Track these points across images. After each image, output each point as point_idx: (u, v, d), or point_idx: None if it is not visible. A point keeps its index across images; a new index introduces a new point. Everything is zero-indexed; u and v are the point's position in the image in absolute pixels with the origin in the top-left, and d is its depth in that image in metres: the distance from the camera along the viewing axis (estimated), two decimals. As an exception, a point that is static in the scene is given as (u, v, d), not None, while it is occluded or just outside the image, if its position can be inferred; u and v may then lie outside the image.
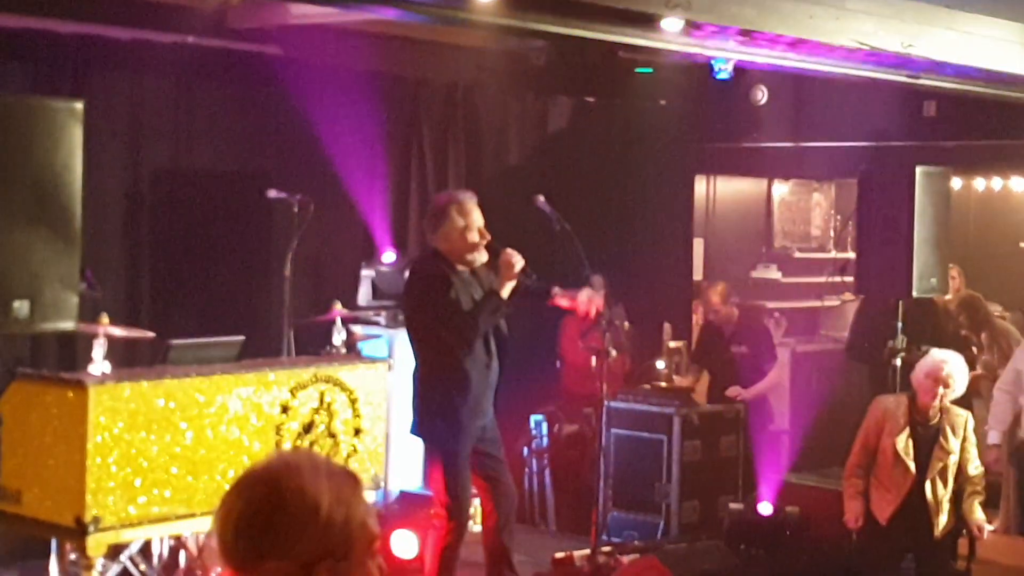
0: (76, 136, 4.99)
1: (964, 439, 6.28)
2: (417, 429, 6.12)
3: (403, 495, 8.09)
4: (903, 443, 6.29)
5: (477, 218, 5.96)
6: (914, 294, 6.94)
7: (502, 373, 6.12)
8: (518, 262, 5.83)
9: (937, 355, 6.34)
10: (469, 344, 5.84)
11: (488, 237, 5.99)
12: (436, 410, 5.95)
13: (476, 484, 5.97)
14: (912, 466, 6.26)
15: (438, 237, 5.98)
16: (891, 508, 6.31)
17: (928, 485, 6.22)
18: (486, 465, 5.94)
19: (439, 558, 6.02)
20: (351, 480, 2.09)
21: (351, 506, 2.05)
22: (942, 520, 6.27)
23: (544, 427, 8.53)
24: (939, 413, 6.29)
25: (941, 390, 6.23)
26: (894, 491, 6.30)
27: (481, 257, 6.00)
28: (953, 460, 6.27)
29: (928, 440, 6.29)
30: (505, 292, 5.83)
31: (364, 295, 8.31)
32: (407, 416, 6.21)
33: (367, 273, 8.44)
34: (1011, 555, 8.33)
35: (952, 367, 6.24)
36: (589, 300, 6.02)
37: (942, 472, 6.26)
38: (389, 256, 8.48)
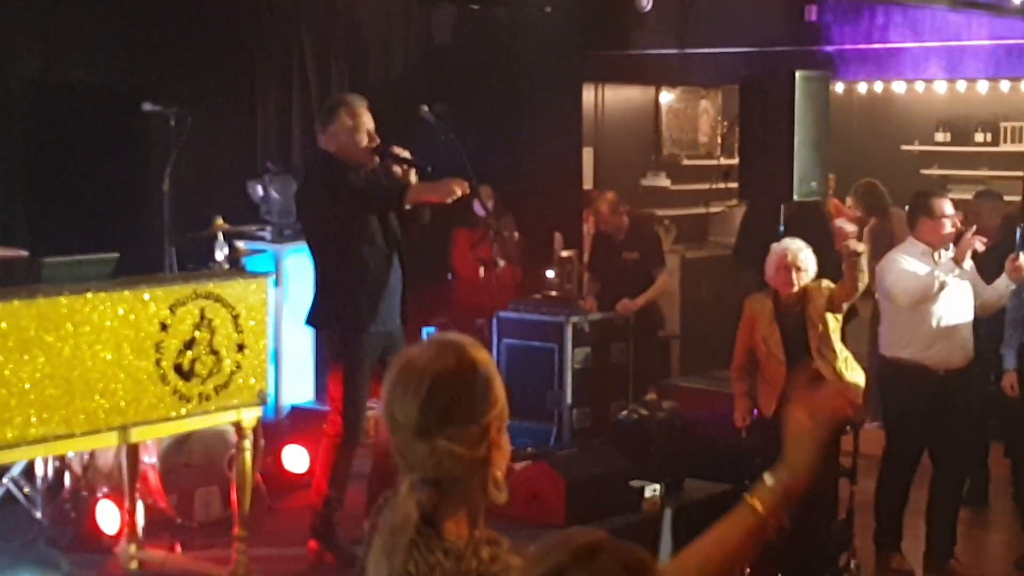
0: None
1: (828, 299, 6.40)
2: (312, 318, 6.11)
3: (294, 410, 8.07)
4: (771, 337, 6.43)
5: (367, 121, 5.96)
6: (794, 197, 7.02)
7: (405, 284, 6.11)
8: (458, 192, 5.81)
9: (776, 247, 6.47)
10: (367, 212, 5.85)
11: (377, 141, 5.97)
12: (334, 300, 5.94)
13: (376, 396, 5.96)
14: (783, 357, 6.41)
15: (327, 138, 6.01)
16: (773, 401, 6.45)
17: (818, 360, 6.34)
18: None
19: (330, 467, 6.02)
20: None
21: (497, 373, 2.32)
22: (849, 376, 6.41)
23: (436, 339, 8.52)
24: (800, 298, 6.41)
25: (793, 275, 6.37)
26: (773, 384, 6.44)
27: (371, 162, 5.99)
28: (833, 327, 6.41)
29: (795, 325, 6.43)
30: (411, 198, 5.82)
31: (248, 209, 8.19)
32: (295, 331, 6.20)
33: (251, 187, 8.32)
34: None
35: (794, 251, 6.39)
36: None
37: (824, 339, 6.38)
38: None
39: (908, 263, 6.37)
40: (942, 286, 6.25)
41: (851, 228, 6.48)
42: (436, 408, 2.23)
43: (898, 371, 6.50)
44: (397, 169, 6.05)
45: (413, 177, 6.00)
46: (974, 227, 6.45)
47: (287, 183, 8.21)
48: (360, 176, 6.00)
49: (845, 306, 6.56)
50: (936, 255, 6.39)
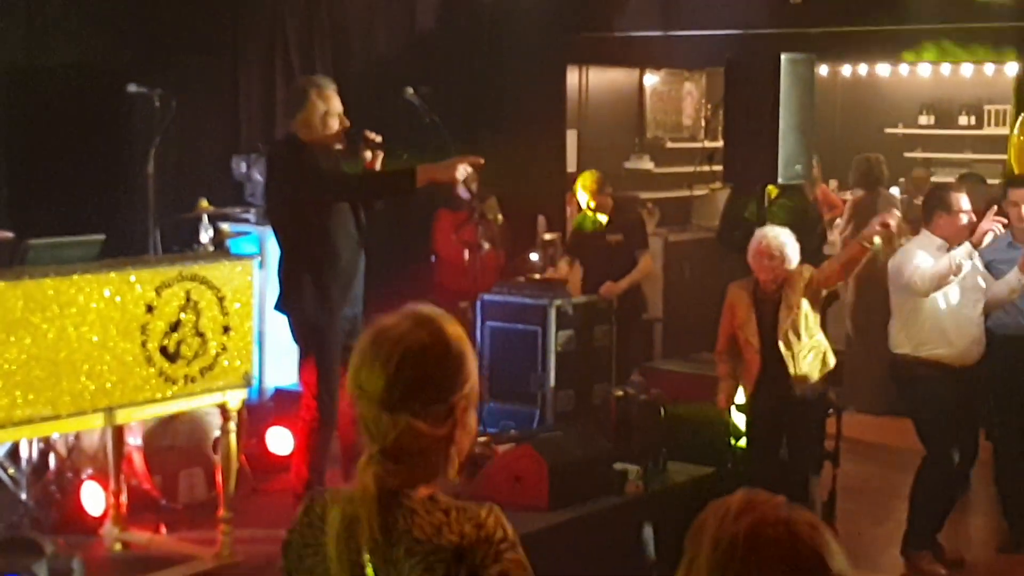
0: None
1: (807, 285, 6.41)
2: (284, 304, 6.07)
3: (277, 392, 8.07)
4: (748, 325, 6.46)
5: (337, 104, 5.91)
6: (779, 180, 7.02)
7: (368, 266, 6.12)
8: (461, 174, 5.79)
9: (758, 233, 6.47)
10: (376, 199, 5.83)
11: (348, 124, 5.94)
12: (307, 285, 5.92)
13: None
14: (758, 345, 6.44)
15: (298, 123, 5.92)
16: (749, 386, 6.50)
17: (781, 345, 6.37)
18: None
19: (308, 451, 6.03)
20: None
21: (471, 351, 2.28)
22: (805, 366, 6.42)
23: (419, 321, 8.52)
24: (780, 285, 6.43)
25: (768, 262, 6.38)
26: (750, 370, 6.49)
27: (338, 144, 5.96)
28: (805, 312, 6.42)
29: (771, 309, 6.44)
30: (421, 179, 5.79)
31: (232, 191, 8.18)
32: (279, 313, 6.19)
33: (236, 163, 8.30)
34: (874, 433, 8.63)
35: (772, 238, 6.39)
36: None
37: (794, 326, 6.39)
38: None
39: (923, 256, 6.23)
40: (959, 268, 6.09)
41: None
42: (404, 382, 2.20)
43: (916, 369, 6.33)
44: (368, 154, 6.01)
45: (379, 164, 5.99)
46: (994, 208, 6.33)
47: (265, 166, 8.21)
48: (329, 160, 5.96)
49: (824, 292, 6.58)
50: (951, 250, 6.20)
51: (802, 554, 1.62)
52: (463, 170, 5.80)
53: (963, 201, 6.33)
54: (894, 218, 6.42)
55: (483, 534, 2.20)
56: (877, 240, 6.38)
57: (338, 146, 5.97)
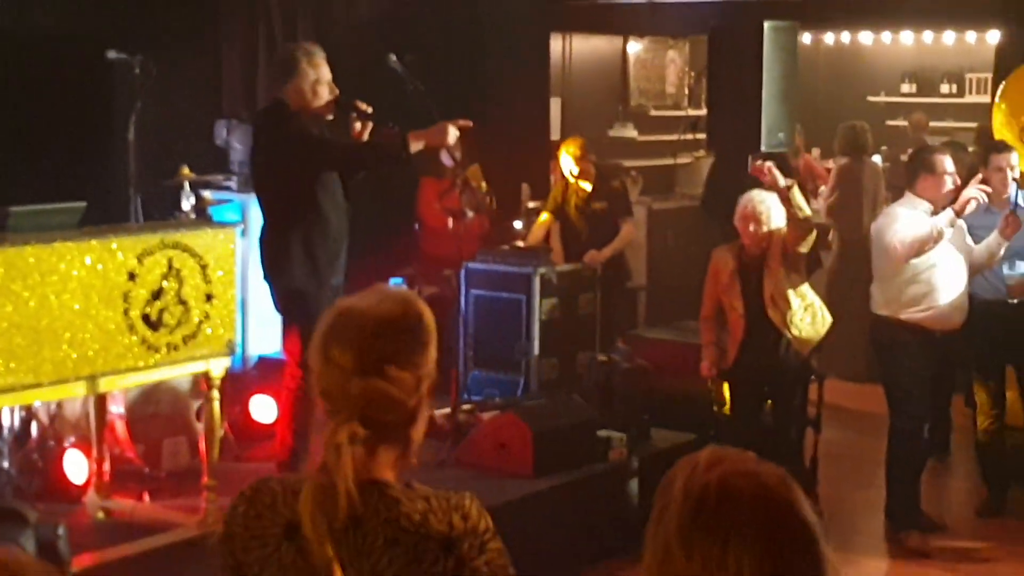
0: None
1: (782, 245, 6.39)
2: (271, 272, 6.04)
3: (261, 360, 8.06)
4: (732, 289, 6.48)
5: (327, 72, 5.88)
6: (762, 148, 7.03)
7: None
8: (453, 137, 5.77)
9: (744, 197, 6.48)
10: (372, 168, 5.82)
11: (337, 92, 5.91)
12: (296, 254, 5.89)
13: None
14: (742, 310, 6.45)
15: (289, 90, 5.87)
16: (733, 350, 6.52)
17: (771, 311, 6.38)
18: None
19: (292, 419, 6.03)
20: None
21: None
22: (804, 328, 6.42)
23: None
24: (764, 249, 6.44)
25: (751, 227, 6.39)
26: (734, 335, 6.51)
27: (328, 114, 5.93)
28: (783, 275, 6.40)
29: (755, 274, 6.45)
30: (415, 145, 5.77)
31: (214, 159, 8.14)
32: (262, 281, 6.17)
33: (217, 128, 8.26)
34: (855, 400, 8.68)
35: (755, 201, 6.39)
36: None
37: (779, 289, 6.39)
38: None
39: (905, 221, 6.19)
40: (940, 235, 6.06)
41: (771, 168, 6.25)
42: (377, 349, 2.20)
43: (897, 333, 6.30)
44: (357, 124, 5.98)
45: (367, 134, 5.96)
46: (979, 176, 6.31)
47: (247, 133, 8.17)
48: (318, 129, 5.94)
49: (804, 249, 6.54)
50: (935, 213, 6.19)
51: (773, 503, 1.61)
52: (454, 133, 5.79)
53: (947, 163, 6.30)
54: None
55: (469, 525, 2.19)
56: (783, 179, 6.27)
57: (329, 117, 5.94)
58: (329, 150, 5.89)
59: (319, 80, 5.84)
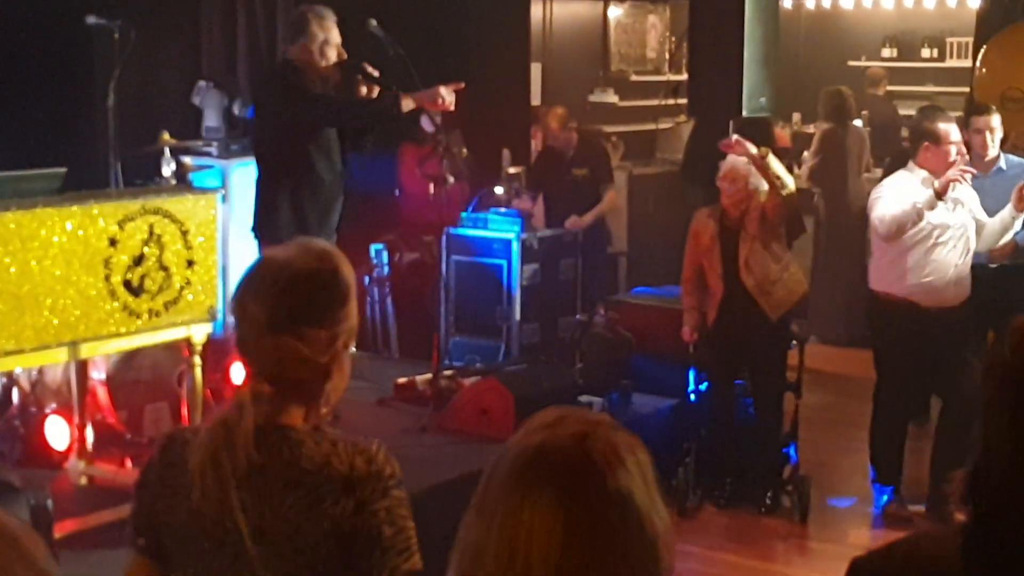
0: None
1: (761, 211, 6.40)
2: (259, 228, 6.08)
3: (243, 327, 8.05)
4: (712, 252, 6.49)
5: (336, 35, 5.93)
6: (744, 113, 7.04)
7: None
8: (448, 99, 5.79)
9: (729, 158, 6.47)
10: (363, 123, 5.83)
11: (345, 56, 5.96)
12: (286, 212, 5.93)
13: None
14: (719, 268, 6.47)
15: (296, 49, 5.96)
16: (713, 310, 6.55)
17: (746, 274, 6.40)
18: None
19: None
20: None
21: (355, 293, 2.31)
22: (773, 291, 6.44)
23: (385, 256, 8.52)
24: (743, 212, 6.45)
25: (732, 186, 6.40)
26: (714, 296, 6.54)
27: (335, 77, 5.99)
28: (764, 243, 6.42)
29: (735, 237, 6.46)
30: (406, 105, 5.82)
31: (194, 124, 8.11)
32: (242, 247, 6.18)
33: (197, 90, 8.23)
34: (836, 364, 8.73)
35: (742, 164, 6.39)
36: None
37: (748, 258, 6.41)
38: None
39: (903, 191, 6.06)
40: (920, 216, 5.95)
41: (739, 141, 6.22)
42: (289, 304, 2.20)
43: (887, 307, 6.27)
44: (363, 89, 6.03)
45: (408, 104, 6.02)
46: (965, 157, 6.14)
47: (222, 97, 8.15)
48: (325, 89, 6.00)
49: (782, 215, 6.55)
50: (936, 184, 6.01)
51: (583, 466, 1.59)
52: (448, 94, 5.84)
53: (953, 132, 6.12)
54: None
55: (373, 469, 2.19)
56: (752, 148, 6.26)
57: (335, 78, 6.01)
58: (320, 103, 5.93)
59: (327, 42, 5.92)
